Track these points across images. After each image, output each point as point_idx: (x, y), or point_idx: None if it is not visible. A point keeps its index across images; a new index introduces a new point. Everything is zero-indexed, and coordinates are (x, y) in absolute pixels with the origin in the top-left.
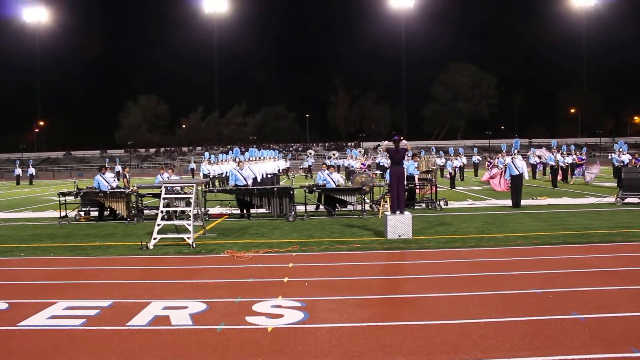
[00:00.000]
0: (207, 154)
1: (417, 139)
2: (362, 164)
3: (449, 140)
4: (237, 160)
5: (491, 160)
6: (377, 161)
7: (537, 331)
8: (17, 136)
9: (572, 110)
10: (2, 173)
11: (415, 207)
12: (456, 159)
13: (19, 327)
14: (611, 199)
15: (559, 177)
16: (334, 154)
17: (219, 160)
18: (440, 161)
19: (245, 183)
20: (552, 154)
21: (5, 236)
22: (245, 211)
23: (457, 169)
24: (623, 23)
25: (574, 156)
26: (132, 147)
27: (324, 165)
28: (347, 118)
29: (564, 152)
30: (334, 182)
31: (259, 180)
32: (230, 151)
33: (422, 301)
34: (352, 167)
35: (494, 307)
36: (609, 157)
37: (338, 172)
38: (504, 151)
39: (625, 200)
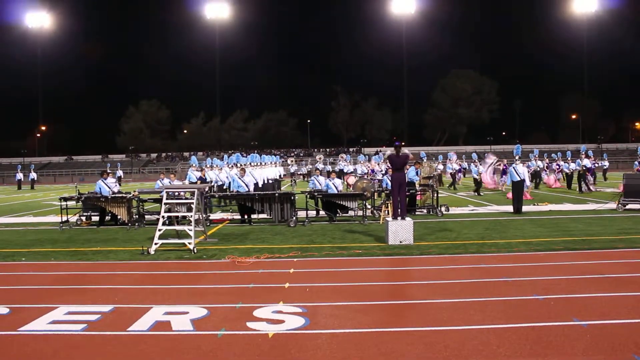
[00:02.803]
0: (193, 158)
1: (418, 144)
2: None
3: (450, 146)
4: (239, 165)
5: (506, 165)
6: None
7: (539, 337)
8: (18, 141)
9: (573, 116)
10: (4, 178)
11: (417, 213)
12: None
13: (19, 332)
14: (613, 205)
15: (556, 184)
16: (320, 158)
17: (207, 165)
18: (455, 166)
19: (247, 189)
20: (580, 160)
21: (7, 241)
22: (246, 217)
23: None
24: (624, 29)
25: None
26: (134, 152)
27: (317, 171)
28: (348, 123)
29: (569, 159)
30: (335, 187)
31: (260, 185)
32: (227, 156)
33: (424, 307)
34: (359, 171)
35: (495, 313)
36: (635, 163)
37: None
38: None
39: (627, 207)
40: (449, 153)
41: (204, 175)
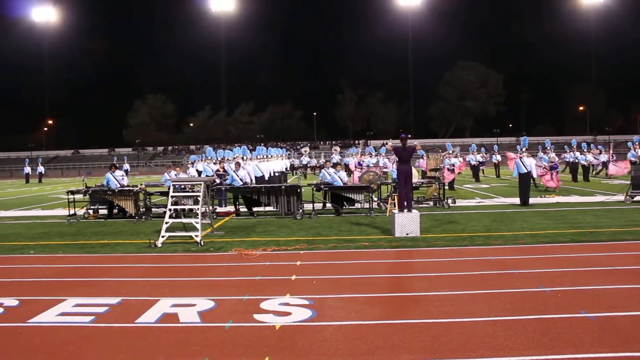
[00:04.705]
0: (209, 150)
1: (424, 137)
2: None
3: (456, 139)
4: (241, 158)
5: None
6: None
7: (546, 330)
8: (26, 135)
9: (581, 108)
10: (12, 171)
11: (423, 205)
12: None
13: (29, 324)
14: (620, 197)
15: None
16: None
17: (227, 158)
18: (479, 157)
19: (242, 183)
20: (634, 151)
21: (15, 234)
22: (248, 208)
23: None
24: (631, 19)
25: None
26: (140, 146)
27: (328, 163)
28: (354, 117)
29: (585, 150)
30: (340, 180)
31: (266, 178)
32: (239, 148)
33: (430, 299)
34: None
35: (502, 305)
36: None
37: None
38: (548, 148)
39: (635, 199)
40: (472, 145)
41: (222, 169)
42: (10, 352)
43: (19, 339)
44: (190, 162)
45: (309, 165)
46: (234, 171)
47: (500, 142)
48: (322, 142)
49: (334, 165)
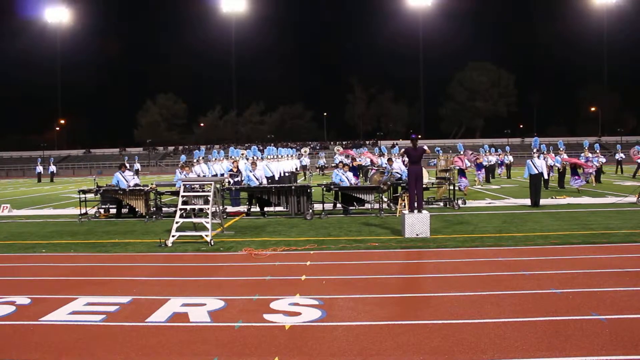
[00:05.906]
0: (231, 149)
1: (435, 137)
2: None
3: (467, 139)
4: (253, 158)
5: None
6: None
7: (556, 332)
8: (38, 134)
9: (593, 109)
10: (24, 171)
11: (433, 206)
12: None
13: (40, 322)
14: (632, 199)
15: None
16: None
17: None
18: (492, 158)
19: (258, 183)
20: None
21: (27, 233)
22: (260, 208)
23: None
24: None
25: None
26: (151, 145)
27: (341, 164)
28: (365, 116)
29: (597, 151)
30: (348, 180)
31: (276, 178)
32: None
33: (440, 300)
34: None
35: (512, 307)
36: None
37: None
38: (561, 149)
39: None
40: (484, 145)
41: (236, 168)
42: (21, 350)
43: (31, 337)
44: (195, 160)
45: (308, 166)
46: (251, 171)
47: (511, 143)
48: (332, 143)
49: (343, 165)
